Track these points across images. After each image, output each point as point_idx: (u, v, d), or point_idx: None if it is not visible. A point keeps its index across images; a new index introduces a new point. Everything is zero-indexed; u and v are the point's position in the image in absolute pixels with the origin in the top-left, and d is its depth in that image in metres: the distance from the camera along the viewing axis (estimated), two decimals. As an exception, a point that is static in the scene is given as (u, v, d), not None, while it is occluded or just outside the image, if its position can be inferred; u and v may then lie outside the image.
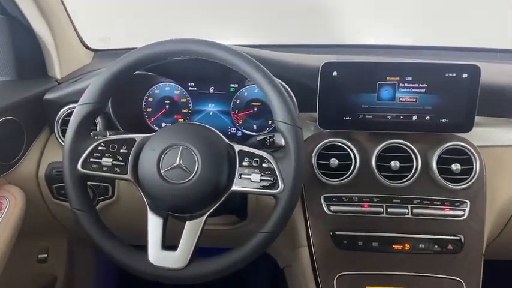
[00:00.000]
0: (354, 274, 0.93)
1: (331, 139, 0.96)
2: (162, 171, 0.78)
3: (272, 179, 0.77)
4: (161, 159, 0.78)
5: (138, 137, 0.83)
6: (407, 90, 0.95)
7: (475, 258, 0.94)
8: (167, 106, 1.10)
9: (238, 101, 1.09)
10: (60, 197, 1.04)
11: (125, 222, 1.09)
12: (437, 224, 0.94)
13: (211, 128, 0.84)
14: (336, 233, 0.95)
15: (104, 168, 0.81)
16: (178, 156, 0.78)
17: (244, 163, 0.79)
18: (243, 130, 1.09)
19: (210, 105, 1.10)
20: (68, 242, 1.25)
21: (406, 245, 0.94)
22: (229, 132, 1.10)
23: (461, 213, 0.94)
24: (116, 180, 1.03)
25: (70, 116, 1.00)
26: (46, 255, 1.21)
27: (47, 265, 1.21)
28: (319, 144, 0.96)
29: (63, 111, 1.02)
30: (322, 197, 0.97)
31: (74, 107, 1.00)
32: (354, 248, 0.94)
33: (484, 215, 0.95)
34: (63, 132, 1.02)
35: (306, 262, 0.97)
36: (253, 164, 0.79)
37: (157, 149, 0.79)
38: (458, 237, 0.94)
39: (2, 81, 1.05)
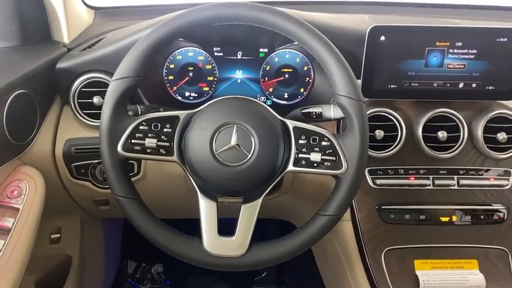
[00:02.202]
0: (401, 248, 0.92)
1: (376, 109, 0.91)
2: (216, 153, 0.71)
3: (334, 158, 0.72)
4: (214, 139, 0.71)
5: (181, 113, 0.75)
6: (457, 56, 0.90)
7: None
8: (191, 74, 1.01)
9: (268, 67, 1.01)
10: (81, 176, 0.95)
11: (153, 199, 1.02)
12: (483, 194, 0.93)
13: (263, 104, 0.77)
14: (383, 207, 0.93)
15: (148, 150, 0.73)
16: (234, 136, 0.71)
17: (301, 141, 0.73)
18: (273, 99, 1.02)
19: (237, 72, 1.01)
20: (81, 221, 1.17)
21: (453, 216, 0.93)
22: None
23: (505, 182, 0.93)
24: None
25: (87, 87, 0.91)
26: (59, 235, 1.13)
27: (60, 245, 1.14)
28: None
29: (79, 81, 0.91)
30: (367, 170, 0.93)
31: (93, 77, 0.91)
32: (401, 222, 0.92)
33: None
34: (81, 105, 0.92)
35: (349, 236, 0.95)
36: (312, 143, 0.73)
37: (209, 128, 0.71)
38: (503, 207, 0.93)
39: (5, 47, 0.92)
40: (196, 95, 1.02)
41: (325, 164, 0.72)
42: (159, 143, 0.73)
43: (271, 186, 0.75)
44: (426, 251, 0.92)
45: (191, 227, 0.84)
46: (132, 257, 1.63)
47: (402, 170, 0.93)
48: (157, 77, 1.01)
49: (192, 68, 1.01)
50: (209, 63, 1.01)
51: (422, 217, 0.92)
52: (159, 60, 1.00)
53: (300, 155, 0.73)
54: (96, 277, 1.35)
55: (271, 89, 1.02)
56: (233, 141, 0.71)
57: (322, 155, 0.72)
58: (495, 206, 0.93)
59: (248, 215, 0.73)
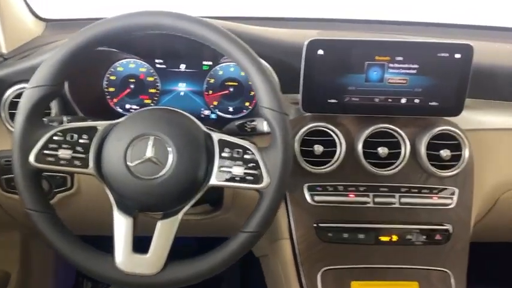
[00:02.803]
0: (339, 269, 0.88)
1: (316, 123, 0.89)
2: (130, 166, 0.68)
3: (256, 172, 0.69)
4: (129, 151, 0.68)
5: (100, 124, 0.72)
6: (397, 71, 0.88)
7: (462, 247, 0.91)
8: (132, 86, 0.98)
9: (213, 80, 0.99)
10: (11, 189, 0.91)
11: (87, 216, 0.99)
12: (425, 214, 0.90)
13: (186, 114, 0.74)
14: (320, 225, 0.89)
15: (62, 162, 0.70)
16: (149, 147, 0.68)
17: (224, 154, 0.70)
18: (218, 112, 1.00)
19: (180, 84, 0.99)
20: (22, 236, 1.13)
21: (394, 236, 0.89)
22: (202, 115, 1.00)
23: (449, 201, 0.90)
24: None
25: (19, 98, 0.88)
26: (-5, 251, 1.09)
27: (-2, 261, 1.10)
28: (303, 130, 0.89)
29: (11, 91, 0.89)
30: (305, 187, 0.90)
31: (24, 88, 0.88)
32: (339, 241, 0.89)
33: (471, 203, 0.91)
34: (12, 116, 0.89)
35: (287, 255, 0.91)
36: (235, 156, 0.70)
37: (124, 140, 0.68)
38: (446, 227, 0.90)
39: None
40: (137, 107, 0.99)
41: (247, 178, 0.69)
42: (74, 154, 0.70)
43: (193, 201, 0.71)
44: (365, 272, 0.88)
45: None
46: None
47: (342, 187, 0.90)
48: (98, 89, 0.98)
49: (133, 80, 0.99)
50: (151, 75, 0.98)
51: (361, 236, 0.89)
52: (100, 72, 0.98)
53: (223, 169, 0.70)
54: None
55: (215, 103, 1.00)
56: (148, 153, 0.68)
57: (244, 169, 0.69)
58: (438, 226, 0.90)
59: (165, 231, 0.69)
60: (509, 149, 0.96)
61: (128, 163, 0.68)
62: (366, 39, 0.86)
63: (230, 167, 0.70)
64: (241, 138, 0.72)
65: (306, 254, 0.89)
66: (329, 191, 0.90)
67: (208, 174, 0.70)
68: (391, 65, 0.87)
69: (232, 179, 0.70)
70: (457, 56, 0.86)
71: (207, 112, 1.00)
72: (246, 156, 0.70)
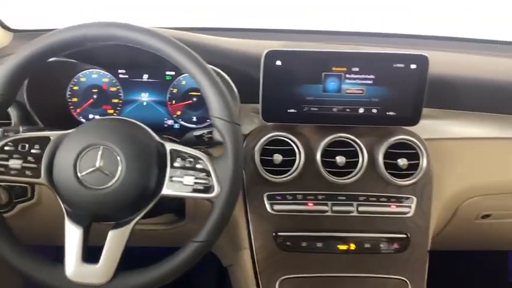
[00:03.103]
0: (297, 277, 0.88)
1: (275, 133, 0.90)
2: (79, 175, 0.68)
3: (207, 181, 0.70)
4: (78, 161, 0.68)
5: (52, 134, 0.72)
6: (354, 81, 0.89)
7: (420, 256, 0.92)
8: (95, 96, 0.99)
9: (175, 90, 0.99)
10: None
11: (49, 226, 0.98)
12: (383, 222, 0.91)
13: (139, 124, 0.75)
14: (279, 233, 0.90)
15: (12, 172, 0.70)
16: (98, 157, 0.68)
17: (176, 164, 0.71)
18: (181, 122, 1.00)
19: (143, 94, 0.99)
20: None
21: (351, 244, 0.90)
22: (166, 125, 1.01)
23: (407, 210, 0.91)
24: None
25: None
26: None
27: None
28: (263, 139, 0.90)
29: None
30: (265, 196, 0.91)
31: None
32: (298, 250, 0.89)
33: (430, 211, 0.92)
34: None
35: (247, 265, 0.91)
36: (187, 165, 0.71)
37: (74, 150, 0.69)
38: (404, 235, 0.91)
39: None
40: (100, 117, 1.00)
41: (198, 187, 0.70)
42: (24, 164, 0.70)
43: (145, 211, 0.72)
44: (323, 281, 0.89)
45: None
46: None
47: (301, 196, 0.90)
48: (61, 99, 0.99)
49: (96, 90, 0.99)
50: (114, 85, 0.99)
51: (319, 245, 0.89)
52: (63, 82, 0.99)
53: (174, 178, 0.71)
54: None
55: (179, 112, 1.00)
56: (97, 163, 0.68)
57: (195, 178, 0.70)
58: (396, 235, 0.91)
59: (115, 241, 0.70)
60: (469, 158, 0.97)
61: (77, 173, 0.68)
62: (322, 50, 0.88)
63: (181, 177, 0.70)
64: (196, 148, 0.73)
65: (265, 263, 0.89)
66: (288, 200, 0.90)
67: (159, 184, 0.71)
68: (347, 75, 0.89)
69: (183, 188, 0.70)
70: (413, 66, 0.88)
71: (170, 122, 1.00)
72: (197, 166, 0.71)
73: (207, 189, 0.70)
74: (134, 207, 0.71)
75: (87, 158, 0.68)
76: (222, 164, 0.70)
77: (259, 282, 0.88)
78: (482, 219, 1.03)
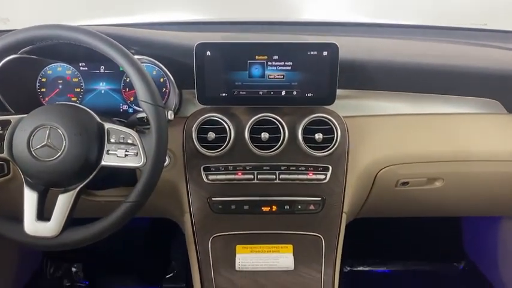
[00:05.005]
0: (226, 235, 1.04)
1: (208, 114, 1.05)
2: (32, 150, 0.85)
3: (135, 153, 0.86)
4: (31, 139, 0.85)
5: (13, 118, 0.89)
6: (275, 68, 1.03)
7: (334, 216, 1.07)
8: (60, 86, 1.15)
9: (128, 79, 1.15)
10: None
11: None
12: (302, 187, 1.06)
13: (83, 108, 0.91)
14: (212, 199, 1.06)
15: None
16: (46, 135, 0.85)
17: (112, 140, 0.87)
18: (134, 107, 1.16)
19: (101, 84, 1.15)
20: None
21: (274, 206, 1.05)
22: (122, 110, 1.16)
23: (323, 177, 1.06)
24: None
25: None
26: None
27: None
28: (198, 120, 1.05)
29: None
30: (201, 167, 1.06)
31: None
32: (228, 212, 1.05)
33: (345, 179, 1.07)
34: None
35: (188, 225, 1.08)
36: (120, 141, 0.87)
37: (27, 130, 0.85)
38: (320, 198, 1.06)
39: None
40: (65, 104, 1.16)
41: (129, 158, 0.86)
42: None
43: (89, 180, 0.88)
44: (248, 237, 1.05)
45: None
46: (53, 255, 1.75)
47: (231, 167, 1.06)
48: (32, 89, 1.15)
49: (61, 81, 1.15)
50: (76, 76, 1.15)
51: (246, 207, 1.05)
52: (32, 75, 1.15)
53: (110, 152, 0.87)
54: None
55: (132, 98, 1.16)
56: (46, 139, 0.85)
57: (125, 151, 0.86)
58: (312, 198, 1.06)
59: (62, 203, 0.86)
60: (383, 132, 1.11)
61: (30, 148, 0.85)
62: (246, 42, 1.02)
63: (116, 150, 0.87)
64: (131, 128, 0.89)
65: (201, 223, 1.06)
66: (221, 171, 1.06)
67: (99, 156, 0.87)
68: (269, 63, 1.03)
69: (117, 160, 0.86)
70: (325, 53, 1.02)
71: (125, 107, 1.16)
72: (128, 141, 0.87)
73: (136, 160, 0.86)
74: (79, 176, 0.87)
75: (38, 136, 0.85)
76: (148, 139, 0.86)
77: (196, 240, 1.05)
78: (403, 187, 1.17)
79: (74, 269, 1.76)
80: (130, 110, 1.16)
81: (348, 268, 1.81)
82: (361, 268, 1.82)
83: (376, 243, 1.82)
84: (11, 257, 1.55)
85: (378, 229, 1.66)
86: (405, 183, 1.16)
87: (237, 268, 1.04)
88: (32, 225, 0.86)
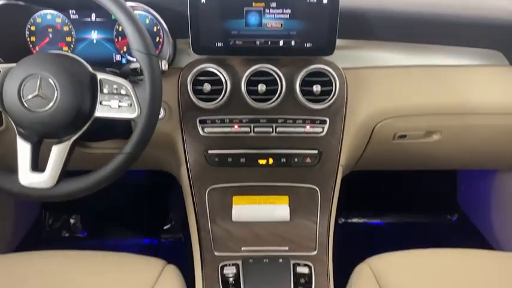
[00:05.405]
0: (223, 187, 1.04)
1: (204, 65, 1.02)
2: (23, 101, 0.82)
3: (129, 104, 0.84)
4: (21, 88, 0.82)
5: (2, 67, 0.86)
6: (273, 16, 0.99)
7: (330, 169, 1.07)
8: (50, 35, 1.11)
9: (121, 28, 1.10)
10: None
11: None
12: (299, 140, 1.05)
13: (75, 57, 0.88)
14: (209, 151, 1.05)
15: None
16: (37, 85, 0.82)
17: (104, 90, 0.85)
18: (128, 57, 1.13)
19: (93, 32, 1.11)
20: None
21: (270, 159, 1.05)
22: (115, 60, 1.13)
23: (320, 130, 1.05)
24: None
25: None
26: None
27: None
28: (194, 71, 1.02)
29: None
30: (197, 120, 1.05)
31: None
32: (224, 165, 1.05)
33: (342, 132, 1.06)
34: None
35: (185, 177, 1.08)
36: (113, 92, 0.85)
37: (17, 79, 0.83)
38: (316, 151, 1.05)
39: None
40: (56, 54, 1.12)
41: (122, 110, 0.84)
42: None
43: (82, 131, 0.86)
44: (244, 189, 1.05)
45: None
46: (51, 207, 1.77)
47: (228, 120, 1.04)
48: (21, 39, 1.11)
49: (51, 30, 1.11)
50: (66, 25, 1.11)
51: (242, 160, 1.04)
52: (21, 23, 1.10)
53: (104, 103, 0.85)
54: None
55: (125, 48, 1.12)
56: (37, 89, 0.82)
57: (119, 102, 0.84)
58: (309, 151, 1.05)
59: (57, 154, 0.85)
60: (382, 84, 1.09)
61: (21, 98, 0.82)
62: None
63: (109, 101, 0.85)
64: (124, 78, 0.87)
65: (197, 175, 1.06)
66: (217, 123, 1.04)
67: (92, 107, 0.85)
68: (267, 10, 0.99)
69: (110, 111, 0.85)
70: (325, 1, 0.98)
71: (118, 57, 1.13)
72: (121, 92, 0.85)
73: (130, 111, 0.84)
74: (72, 127, 0.85)
75: (29, 86, 0.82)
76: (141, 90, 0.84)
77: (193, 191, 1.05)
78: (400, 140, 1.16)
79: (72, 221, 1.78)
80: (124, 61, 1.13)
81: (343, 220, 1.85)
82: (355, 220, 1.85)
83: (370, 196, 1.85)
84: (9, 209, 1.57)
85: (373, 182, 1.68)
86: (403, 136, 1.16)
87: (233, 219, 1.04)
88: (26, 176, 0.85)
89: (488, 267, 1.06)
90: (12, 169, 0.88)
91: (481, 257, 1.09)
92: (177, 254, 1.34)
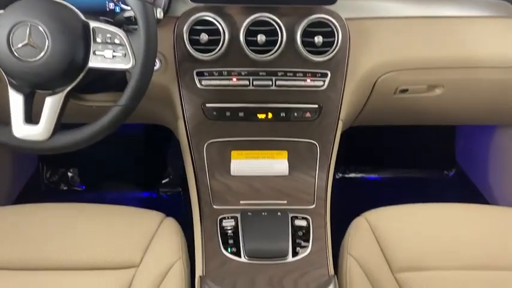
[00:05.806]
0: (221, 141, 1.03)
1: (201, 14, 0.98)
2: (13, 50, 0.79)
3: (123, 54, 0.81)
4: (10, 37, 0.79)
5: None
6: (273, -40, 0.94)
7: (330, 124, 1.05)
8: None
9: (113, -27, 1.06)
10: None
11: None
12: (298, 94, 1.02)
13: (67, 4, 0.83)
14: (207, 105, 1.03)
15: None
16: (27, 33, 0.79)
17: (98, 40, 0.81)
18: (122, 5, 1.08)
19: (84, -21, 1.06)
20: None
21: (269, 114, 1.03)
22: (108, 9, 1.08)
23: (321, 83, 1.02)
24: None
25: None
26: None
27: None
28: (190, 20, 0.98)
29: None
30: (194, 72, 1.02)
31: None
32: (222, 119, 1.03)
33: (343, 85, 1.03)
34: None
35: (182, 131, 1.06)
36: (107, 41, 0.81)
37: (5, 27, 0.79)
38: (316, 106, 1.03)
39: None
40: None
41: (117, 60, 0.81)
42: None
43: (76, 82, 0.84)
44: (243, 143, 1.04)
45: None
46: (49, 161, 1.77)
47: (226, 72, 1.01)
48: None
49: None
50: (56, -29, 1.05)
51: (241, 114, 1.02)
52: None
53: (97, 53, 0.82)
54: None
55: (118, -4, 1.07)
56: (27, 38, 0.79)
57: (113, 52, 0.81)
58: (309, 105, 1.03)
59: (51, 106, 0.83)
60: (385, 35, 1.06)
61: (11, 47, 0.79)
62: None
63: (103, 51, 0.81)
64: (118, 27, 0.83)
65: (195, 129, 1.04)
66: (215, 76, 1.01)
67: (86, 57, 0.82)
68: (263, -44, 0.94)
69: (104, 61, 0.82)
70: None
71: (111, 5, 1.08)
72: (115, 41, 0.81)
73: (125, 61, 0.81)
74: (65, 77, 0.82)
75: (18, 34, 0.78)
76: (136, 39, 0.80)
77: (191, 145, 1.04)
78: (401, 94, 1.14)
79: (70, 174, 1.78)
80: (118, 9, 1.08)
81: (340, 175, 1.85)
82: (353, 175, 1.86)
83: (368, 151, 1.85)
84: (6, 163, 1.56)
85: (371, 137, 1.67)
86: (404, 91, 1.13)
87: (232, 173, 1.04)
88: (20, 128, 0.83)
89: (483, 221, 1.07)
90: (6, 121, 0.86)
91: (476, 211, 1.10)
92: (175, 208, 1.35)
